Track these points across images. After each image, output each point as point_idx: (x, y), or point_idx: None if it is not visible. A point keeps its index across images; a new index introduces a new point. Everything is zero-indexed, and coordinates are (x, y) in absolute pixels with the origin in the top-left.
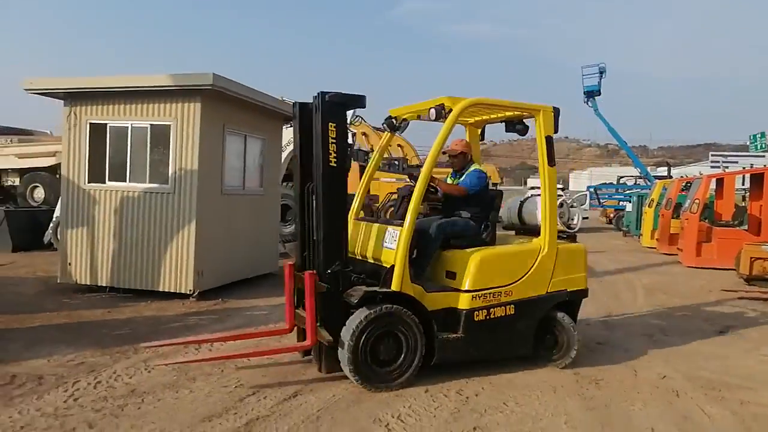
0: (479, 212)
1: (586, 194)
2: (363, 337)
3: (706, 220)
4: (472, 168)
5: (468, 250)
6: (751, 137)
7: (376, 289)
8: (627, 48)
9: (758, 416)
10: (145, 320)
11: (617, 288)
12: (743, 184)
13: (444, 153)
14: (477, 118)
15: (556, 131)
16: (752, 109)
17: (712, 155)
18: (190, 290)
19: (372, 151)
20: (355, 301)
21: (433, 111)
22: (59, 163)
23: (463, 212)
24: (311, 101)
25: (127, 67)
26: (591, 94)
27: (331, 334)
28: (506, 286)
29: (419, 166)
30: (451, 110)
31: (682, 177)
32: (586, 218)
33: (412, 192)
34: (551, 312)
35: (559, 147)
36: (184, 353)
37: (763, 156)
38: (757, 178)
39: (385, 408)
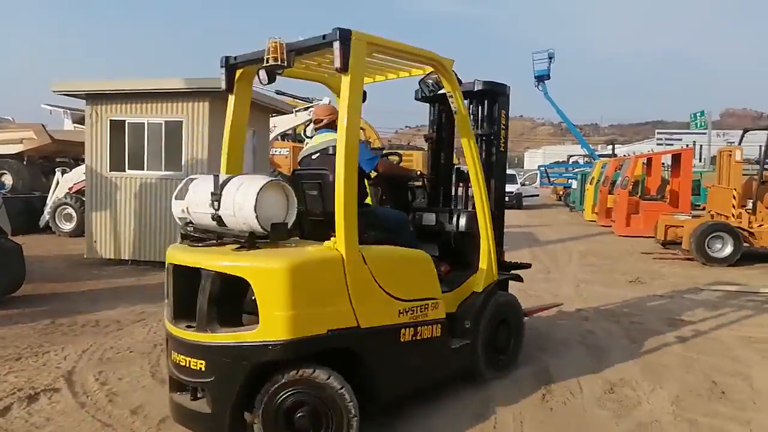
0: None
1: (536, 173)
2: None
3: (638, 195)
4: None
5: None
6: (692, 116)
7: None
8: (581, 28)
9: (638, 329)
10: None
11: (556, 253)
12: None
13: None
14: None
15: None
16: (697, 87)
17: (658, 133)
18: None
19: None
20: None
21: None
22: (26, 150)
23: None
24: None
25: (125, 66)
26: (541, 78)
27: None
28: None
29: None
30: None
31: (622, 156)
32: (536, 196)
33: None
34: None
35: (514, 126)
36: None
37: (704, 133)
38: (676, 158)
39: None
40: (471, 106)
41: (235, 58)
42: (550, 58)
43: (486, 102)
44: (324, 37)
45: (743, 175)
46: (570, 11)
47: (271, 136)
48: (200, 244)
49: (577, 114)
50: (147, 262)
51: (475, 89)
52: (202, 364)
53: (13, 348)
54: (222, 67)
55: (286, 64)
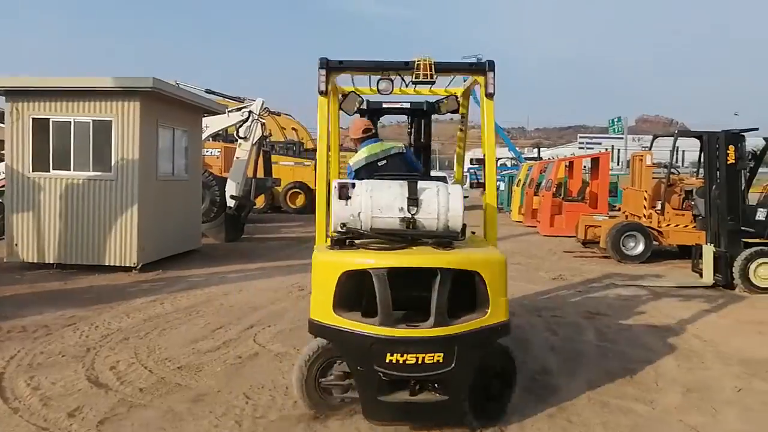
0: None
1: (466, 175)
2: None
3: (561, 197)
4: None
5: None
6: (610, 121)
7: None
8: (510, 33)
9: (558, 322)
10: (104, 288)
11: None
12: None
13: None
14: None
15: None
16: (616, 93)
17: (579, 137)
18: (134, 263)
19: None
20: None
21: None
22: None
23: None
24: None
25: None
26: None
27: None
28: None
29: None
30: None
31: (547, 159)
32: (466, 197)
33: None
34: None
35: (446, 128)
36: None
37: (621, 138)
38: (595, 161)
39: None
40: (414, 121)
41: (341, 62)
42: None
43: (428, 117)
44: (472, 65)
45: (653, 178)
46: (495, 13)
47: (204, 136)
48: (374, 246)
49: (504, 117)
50: (73, 265)
51: (425, 108)
52: (440, 356)
53: None
54: (321, 68)
55: (434, 80)
